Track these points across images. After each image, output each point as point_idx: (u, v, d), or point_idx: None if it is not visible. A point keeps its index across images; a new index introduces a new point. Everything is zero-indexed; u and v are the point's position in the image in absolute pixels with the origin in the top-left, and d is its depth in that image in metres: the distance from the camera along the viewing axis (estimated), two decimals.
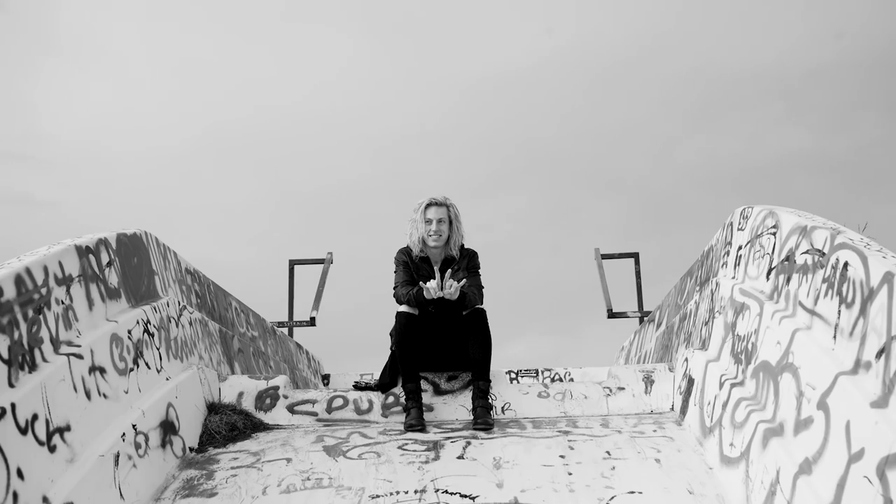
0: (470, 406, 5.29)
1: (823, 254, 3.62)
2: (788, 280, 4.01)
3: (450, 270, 5.34)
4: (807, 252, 3.83)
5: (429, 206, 5.40)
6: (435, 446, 4.68)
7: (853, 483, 2.84)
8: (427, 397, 5.38)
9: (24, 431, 3.22)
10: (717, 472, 4.14)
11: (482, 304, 5.40)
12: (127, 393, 4.21)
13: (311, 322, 10.10)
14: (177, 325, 5.17)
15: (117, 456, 3.83)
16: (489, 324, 5.33)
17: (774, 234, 4.37)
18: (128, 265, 4.71)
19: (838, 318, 3.35)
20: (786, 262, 4.10)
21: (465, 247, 5.50)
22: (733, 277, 4.98)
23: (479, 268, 5.51)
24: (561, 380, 8.82)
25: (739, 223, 5.04)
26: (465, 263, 5.43)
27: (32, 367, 3.43)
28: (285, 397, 5.41)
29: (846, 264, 3.36)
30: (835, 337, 3.34)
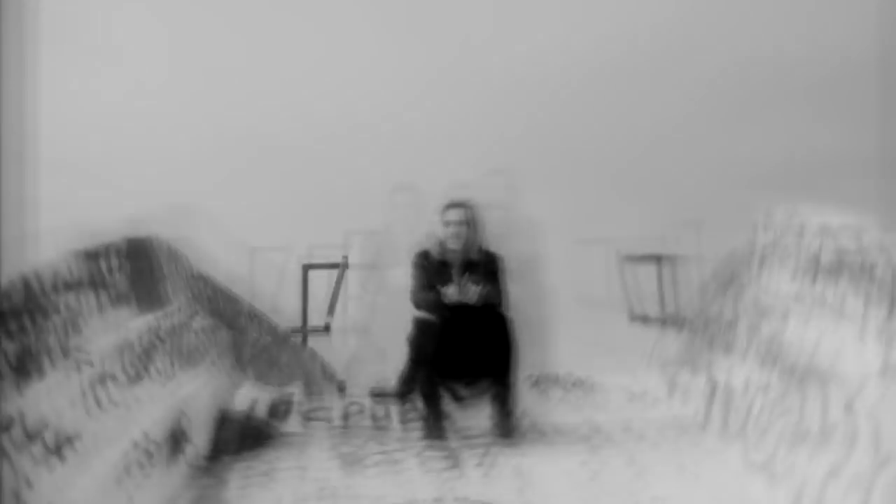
0: (490, 413, 5.18)
1: (850, 254, 3.56)
2: (814, 281, 3.94)
3: (468, 274, 5.22)
4: (833, 252, 3.77)
5: (448, 207, 5.29)
6: (454, 455, 4.61)
7: (881, 489, 2.76)
8: (446, 405, 5.29)
9: (32, 440, 3.17)
10: (743, 478, 4.06)
11: (507, 309, 5.24)
12: (137, 401, 4.15)
13: (326, 328, 10.06)
14: (187, 332, 5.12)
15: (127, 465, 3.76)
16: (513, 329, 5.16)
17: (800, 234, 4.31)
18: (137, 270, 4.65)
19: (866, 319, 3.28)
20: (812, 263, 4.03)
21: (488, 250, 5.37)
22: (758, 279, 4.90)
23: (502, 272, 5.35)
24: (582, 385, 8.72)
25: (765, 223, 4.97)
26: (486, 267, 5.30)
27: (41, 374, 3.38)
28: (300, 405, 5.35)
29: (873, 265, 3.29)
30: (862, 339, 3.27)
